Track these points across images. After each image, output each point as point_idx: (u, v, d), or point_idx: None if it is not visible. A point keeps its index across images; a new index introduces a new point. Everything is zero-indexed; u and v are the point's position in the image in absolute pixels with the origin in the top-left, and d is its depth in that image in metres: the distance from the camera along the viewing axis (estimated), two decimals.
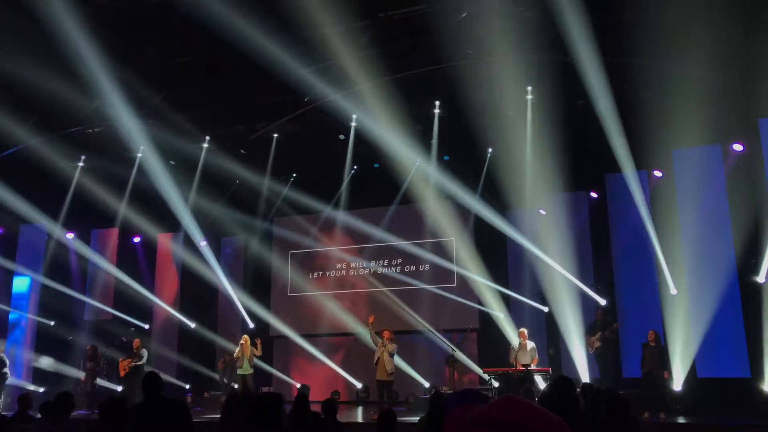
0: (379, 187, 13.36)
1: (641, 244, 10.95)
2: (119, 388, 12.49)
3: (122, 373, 12.05)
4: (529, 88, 10.64)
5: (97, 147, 12.39)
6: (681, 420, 8.98)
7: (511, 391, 9.15)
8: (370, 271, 14.03)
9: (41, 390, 13.21)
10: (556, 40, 8.64)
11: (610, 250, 11.73)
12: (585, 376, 10.89)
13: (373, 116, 10.83)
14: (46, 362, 13.86)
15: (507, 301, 12.31)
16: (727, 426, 8.31)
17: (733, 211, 10.12)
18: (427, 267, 13.56)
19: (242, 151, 13.08)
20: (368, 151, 12.29)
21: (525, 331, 10.37)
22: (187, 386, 13.82)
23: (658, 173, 11.26)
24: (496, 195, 11.92)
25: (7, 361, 11.70)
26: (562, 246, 11.52)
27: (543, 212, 11.97)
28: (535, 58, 9.31)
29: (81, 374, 13.01)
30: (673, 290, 10.54)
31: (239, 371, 11.20)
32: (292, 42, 8.82)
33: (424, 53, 9.70)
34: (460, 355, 11.51)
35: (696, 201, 10.46)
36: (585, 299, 11.53)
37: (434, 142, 12.02)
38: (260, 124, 12.16)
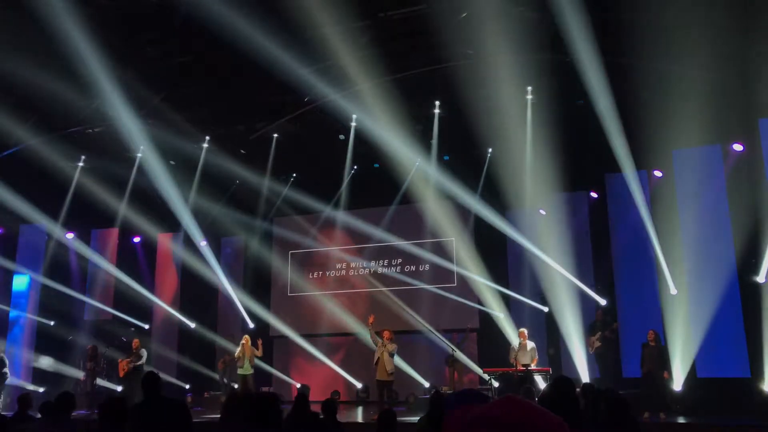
0: (379, 187, 13.36)
1: (641, 244, 10.95)
2: (119, 388, 12.49)
3: (121, 374, 12.05)
4: (529, 88, 10.64)
5: (97, 147, 12.39)
6: (681, 420, 8.98)
7: (511, 391, 9.15)
8: (370, 271, 14.03)
9: (41, 390, 13.21)
10: (556, 40, 8.64)
11: (610, 250, 11.73)
12: (585, 376, 10.88)
13: (373, 116, 10.83)
14: (45, 362, 13.86)
15: (507, 301, 12.31)
16: (727, 426, 8.31)
17: (733, 211, 10.12)
18: (427, 267, 13.57)
19: (242, 151, 13.08)
20: (368, 151, 12.29)
21: (525, 331, 10.37)
22: (187, 386, 13.82)
23: (658, 173, 11.26)
24: (496, 195, 11.92)
25: (7, 361, 11.71)
26: (562, 246, 11.52)
27: (543, 212, 11.97)
28: (535, 58, 9.31)
29: (81, 374, 13.01)
30: (673, 290, 10.54)
31: (240, 371, 11.20)
32: (292, 42, 8.82)
33: (424, 53, 9.70)
34: (460, 355, 11.51)
35: (696, 201, 10.46)
36: (585, 299, 11.53)
37: (434, 142, 12.02)
38: (260, 124, 12.16)
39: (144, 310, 14.52)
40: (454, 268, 13.18)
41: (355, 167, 13.43)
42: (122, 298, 14.28)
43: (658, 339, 9.77)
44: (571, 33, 8.43)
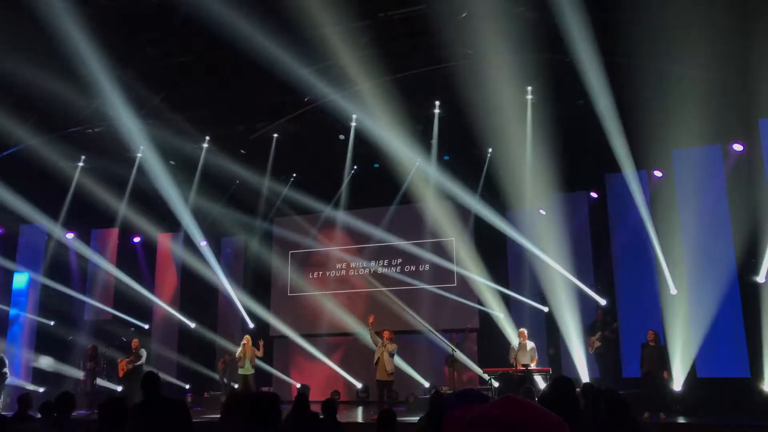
0: (379, 187, 13.36)
1: (641, 244, 10.94)
2: (119, 388, 12.49)
3: (121, 374, 12.07)
4: (529, 88, 10.64)
5: (97, 147, 12.39)
6: (681, 420, 8.98)
7: (511, 391, 9.14)
8: (370, 271, 14.04)
9: (41, 390, 13.21)
10: (556, 40, 8.64)
11: (610, 250, 11.73)
12: (585, 376, 10.88)
13: (373, 116, 10.83)
14: (45, 362, 13.86)
15: (507, 301, 12.31)
16: (727, 426, 8.31)
17: (733, 211, 10.12)
18: (427, 267, 13.56)
19: (242, 151, 13.08)
20: (368, 151, 12.29)
21: (525, 331, 10.37)
22: (187, 386, 13.82)
23: (658, 173, 11.26)
24: (496, 195, 11.92)
25: (7, 361, 11.71)
26: (562, 246, 11.51)
27: (543, 212, 11.97)
28: (535, 58, 9.31)
29: (81, 374, 13.00)
30: (673, 290, 10.54)
31: (241, 371, 11.21)
32: (292, 42, 8.82)
33: (424, 53, 9.70)
34: (460, 355, 11.51)
35: (696, 201, 10.46)
36: (585, 299, 11.53)
37: (434, 142, 12.02)
38: (260, 124, 12.16)
39: (144, 310, 14.52)
40: (454, 268, 13.18)
41: (355, 167, 13.43)
42: (122, 298, 14.29)
43: (657, 339, 9.77)
44: (571, 33, 8.43)
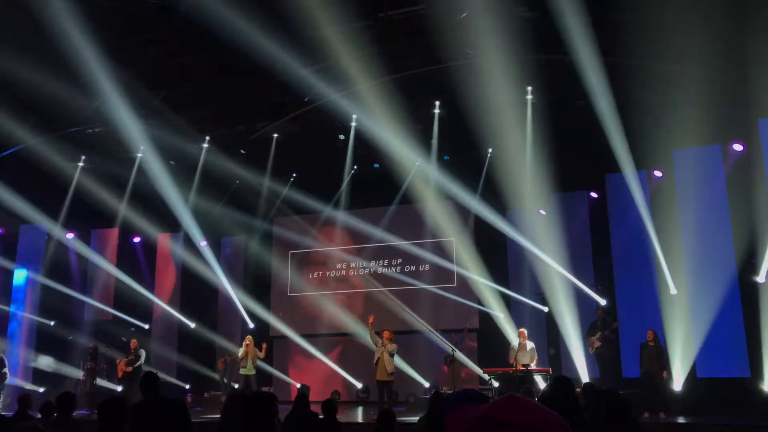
0: (379, 187, 13.36)
1: (641, 244, 10.94)
2: (119, 388, 12.49)
3: (120, 374, 12.09)
4: (529, 88, 10.64)
5: (97, 147, 12.39)
6: (681, 420, 8.98)
7: (511, 391, 9.14)
8: (370, 271, 14.04)
9: (41, 390, 13.21)
10: (556, 40, 8.63)
11: (610, 250, 11.72)
12: (585, 376, 10.89)
13: (373, 116, 10.83)
14: (45, 362, 13.86)
15: (507, 301, 12.31)
16: (727, 426, 8.31)
17: (733, 211, 10.12)
18: (427, 267, 13.56)
19: (242, 151, 13.08)
20: (368, 151, 12.29)
21: (525, 331, 10.38)
22: (187, 386, 13.82)
23: (658, 173, 11.26)
24: (496, 195, 11.92)
25: (6, 361, 11.71)
26: (562, 246, 11.52)
27: (543, 212, 11.97)
28: (535, 58, 9.31)
29: (81, 374, 12.99)
30: (673, 290, 10.54)
31: (242, 371, 11.23)
32: (292, 42, 8.81)
33: (424, 53, 9.70)
34: (460, 355, 11.51)
35: (696, 201, 10.45)
36: (585, 299, 11.53)
37: (434, 142, 12.02)
38: (260, 124, 12.16)
39: (144, 310, 14.52)
40: (454, 268, 13.18)
41: (355, 167, 13.43)
42: (122, 298, 14.28)
43: (657, 339, 9.77)
44: (571, 33, 8.43)
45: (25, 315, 14.53)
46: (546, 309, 11.83)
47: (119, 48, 9.30)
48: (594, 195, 12.40)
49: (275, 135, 12.51)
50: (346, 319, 13.39)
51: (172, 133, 11.70)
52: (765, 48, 8.14)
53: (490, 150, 12.19)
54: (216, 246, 14.60)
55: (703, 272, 10.24)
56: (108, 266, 14.61)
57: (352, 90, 10.30)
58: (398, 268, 13.83)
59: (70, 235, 14.51)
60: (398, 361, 10.46)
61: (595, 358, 10.81)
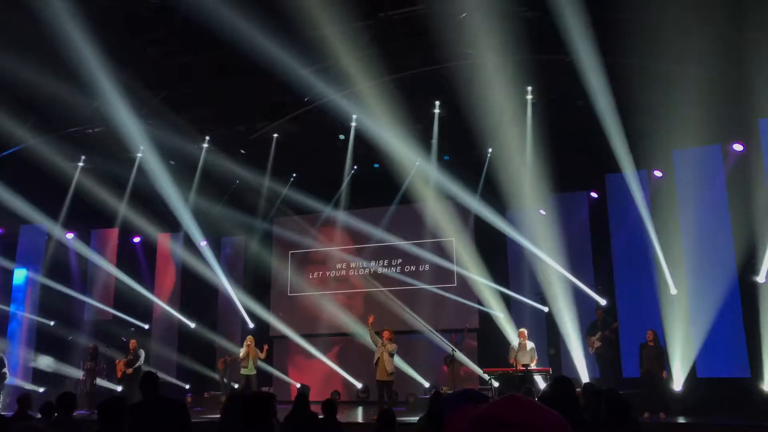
0: (379, 187, 13.35)
1: (641, 244, 10.94)
2: (119, 388, 12.50)
3: (119, 374, 12.10)
4: (529, 88, 10.63)
5: (97, 147, 12.39)
6: (681, 420, 8.98)
7: (510, 391, 9.14)
8: (370, 271, 14.04)
9: (41, 390, 13.21)
10: (555, 41, 8.64)
11: (610, 250, 11.72)
12: (585, 376, 10.89)
13: (373, 116, 10.83)
14: (45, 362, 13.86)
15: (507, 301, 12.31)
16: (727, 426, 8.31)
17: (733, 211, 10.12)
18: (427, 267, 13.56)
19: (242, 151, 13.08)
20: (368, 151, 12.29)
21: (525, 331, 10.38)
22: (187, 386, 13.82)
23: (658, 173, 11.26)
24: (496, 195, 11.91)
25: (6, 362, 11.71)
26: (562, 246, 11.52)
27: (543, 212, 11.97)
28: (535, 58, 9.31)
29: (81, 374, 12.98)
30: (673, 290, 10.54)
31: (244, 371, 11.25)
32: (292, 42, 8.82)
33: (424, 53, 9.70)
34: (460, 355, 11.51)
35: (696, 201, 10.45)
36: (585, 299, 11.53)
37: (434, 142, 12.02)
38: (260, 124, 12.16)
39: (144, 310, 14.52)
40: (454, 268, 13.18)
41: (355, 167, 13.43)
42: (122, 298, 14.28)
43: (657, 339, 9.76)
44: (571, 33, 8.43)
45: (24, 315, 14.53)
46: (546, 309, 11.83)
47: (119, 48, 9.30)
48: (594, 195, 12.40)
49: (275, 135, 12.51)
50: (346, 319, 13.39)
51: (172, 133, 11.70)
52: (765, 48, 8.15)
53: (490, 150, 12.19)
54: (216, 246, 14.60)
55: (703, 272, 10.24)
56: (108, 266, 14.61)
57: (352, 90, 10.30)
58: (398, 268, 13.83)
59: (70, 235, 14.51)
60: (398, 361, 10.46)
61: (595, 358, 10.81)
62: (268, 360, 13.16)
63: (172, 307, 14.38)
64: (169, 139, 11.75)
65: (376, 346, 9.93)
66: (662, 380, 9.59)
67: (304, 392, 6.41)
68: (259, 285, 14.53)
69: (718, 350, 10.03)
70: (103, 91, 9.96)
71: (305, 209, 14.18)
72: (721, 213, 10.33)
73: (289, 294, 14.65)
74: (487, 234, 12.55)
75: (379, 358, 9.74)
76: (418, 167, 12.53)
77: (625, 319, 11.06)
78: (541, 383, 9.81)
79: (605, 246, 11.81)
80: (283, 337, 13.86)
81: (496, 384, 9.90)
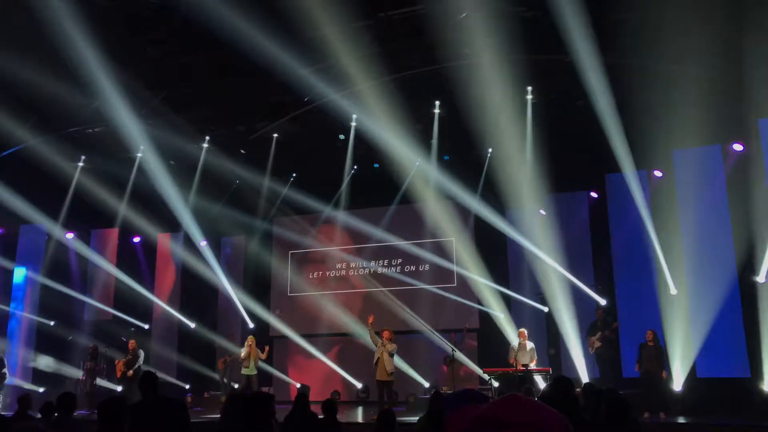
0: (379, 187, 13.35)
1: (641, 244, 10.94)
2: (119, 388, 12.50)
3: (118, 374, 12.10)
4: (529, 88, 10.64)
5: (97, 147, 12.39)
6: (681, 420, 8.98)
7: (510, 391, 9.14)
8: (370, 271, 14.03)
9: (41, 390, 13.21)
10: (556, 40, 8.64)
11: (609, 250, 11.73)
12: (585, 376, 10.89)
13: (373, 116, 10.83)
14: (45, 362, 13.86)
15: (507, 301, 12.31)
16: (727, 426, 8.31)
17: (733, 211, 10.12)
18: (427, 267, 13.56)
19: (242, 151, 13.08)
20: (368, 151, 12.29)
21: (525, 331, 10.38)
22: (187, 386, 13.82)
23: (658, 173, 11.26)
24: (496, 195, 11.92)
25: (6, 362, 11.72)
26: (562, 246, 11.52)
27: (543, 212, 11.97)
28: (535, 58, 9.31)
29: (81, 374, 12.98)
30: (673, 290, 10.54)
31: (245, 371, 11.27)
32: (292, 42, 8.81)
33: (424, 53, 9.70)
34: (460, 355, 11.51)
35: (696, 201, 10.46)
36: (585, 299, 11.53)
37: (434, 142, 12.02)
38: (260, 124, 12.16)
39: (144, 310, 14.52)
40: (454, 268, 13.18)
41: (355, 167, 13.43)
42: (122, 298, 14.28)
43: (656, 339, 9.77)
44: (571, 33, 8.43)
45: (24, 315, 14.53)
46: (546, 309, 11.83)
47: (119, 48, 9.30)
48: (594, 195, 12.40)
49: (275, 135, 12.51)
50: (346, 319, 13.39)
51: (172, 133, 11.70)
52: (764, 48, 8.15)
53: (490, 150, 12.19)
54: (216, 246, 14.60)
55: (703, 272, 10.24)
56: (108, 266, 14.61)
57: (352, 90, 10.30)
58: (398, 268, 13.83)
59: (70, 235, 14.50)
60: (398, 361, 10.46)
61: (595, 358, 10.81)
62: (268, 360, 13.17)
63: (172, 307, 14.38)
64: (169, 139, 11.76)
65: (376, 346, 9.93)
66: (662, 380, 9.60)
67: (304, 392, 6.41)
68: (259, 285, 14.53)
69: (718, 350, 10.03)
70: (103, 91, 9.96)
71: (305, 209, 14.18)
72: (721, 213, 10.33)
73: (289, 294, 14.65)
74: (487, 234, 12.55)
75: (379, 358, 9.74)
76: (418, 167, 12.53)
77: (625, 319, 11.06)
78: (541, 383, 9.81)
79: (605, 246, 11.81)
80: (283, 337, 13.86)
81: (496, 384, 9.91)
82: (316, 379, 13.51)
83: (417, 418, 5.37)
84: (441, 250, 13.35)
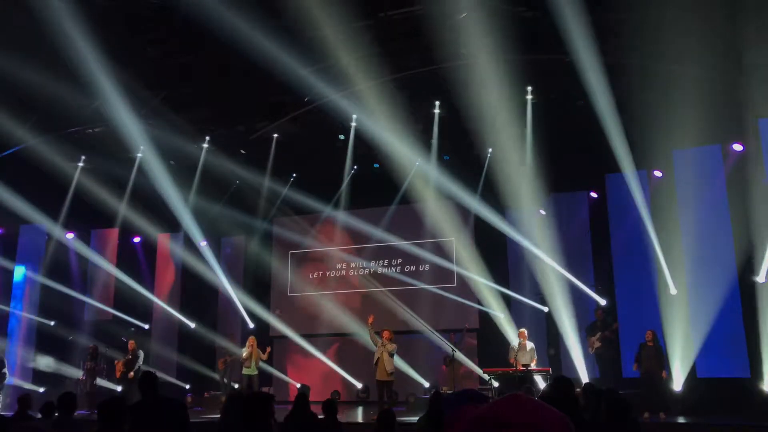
0: (379, 187, 13.35)
1: (641, 244, 10.94)
2: (119, 388, 12.50)
3: (118, 374, 12.10)
4: (529, 88, 10.64)
5: (97, 147, 12.39)
6: (681, 420, 8.98)
7: (511, 391, 9.14)
8: (370, 271, 14.03)
9: (41, 390, 13.21)
10: (556, 40, 8.64)
11: (609, 250, 11.73)
12: (585, 376, 10.89)
13: (373, 116, 10.83)
14: (45, 362, 13.86)
15: (507, 301, 12.31)
16: (727, 426, 8.31)
17: (733, 211, 10.12)
18: (427, 267, 13.56)
19: (242, 151, 13.08)
20: (368, 151, 12.29)
21: (525, 331, 10.38)
22: (187, 386, 13.82)
23: (658, 173, 11.26)
24: (496, 195, 11.91)
25: (6, 362, 11.72)
26: (562, 246, 11.52)
27: (543, 212, 11.97)
28: (534, 58, 9.31)
29: (81, 374, 12.98)
30: (673, 290, 10.54)
31: (246, 371, 11.28)
32: (292, 42, 8.82)
33: (424, 53, 9.70)
34: (460, 355, 11.51)
35: (696, 201, 10.46)
36: (585, 299, 11.53)
37: (434, 142, 12.02)
38: (260, 124, 12.16)
39: (144, 310, 14.52)
40: (454, 268, 13.18)
41: (355, 167, 13.43)
42: (122, 298, 14.28)
43: (656, 339, 9.77)
44: (571, 33, 8.43)
45: (23, 314, 14.53)
46: (546, 309, 11.83)
47: (119, 48, 9.30)
48: (594, 195, 12.40)
49: (275, 135, 12.51)
50: (346, 319, 13.38)
51: (172, 133, 11.70)
52: (764, 48, 8.15)
53: (490, 150, 12.18)
54: (216, 246, 14.60)
55: (703, 272, 10.25)
56: (108, 266, 14.61)
57: (352, 90, 10.31)
58: (398, 268, 13.83)
59: (70, 235, 14.50)
60: (398, 361, 10.46)
61: (595, 358, 10.81)
62: (268, 360, 13.18)
63: (172, 307, 14.38)
64: (169, 139, 11.75)
65: (376, 346, 9.93)
66: (662, 380, 9.59)
67: (304, 392, 6.41)
68: (259, 285, 14.53)
69: (718, 350, 10.04)
70: (103, 91, 9.96)
71: (305, 209, 14.18)
72: (721, 213, 10.33)
73: (289, 294, 14.65)
74: (487, 234, 12.55)
75: (378, 358, 9.74)
76: (418, 167, 12.53)
77: (624, 319, 11.06)
78: (541, 383, 9.81)
79: (605, 246, 11.81)
80: (283, 337, 13.86)
81: (496, 384, 9.91)
82: (316, 379, 13.51)
83: (417, 418, 5.37)
84: (441, 250, 13.35)
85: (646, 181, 11.20)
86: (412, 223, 13.53)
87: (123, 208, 13.50)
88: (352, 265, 14.21)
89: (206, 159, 12.92)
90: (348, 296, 14.04)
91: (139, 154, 12.64)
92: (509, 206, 12.01)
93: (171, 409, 4.29)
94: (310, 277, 14.56)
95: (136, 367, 11.86)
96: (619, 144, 10.18)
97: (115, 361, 12.37)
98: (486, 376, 10.22)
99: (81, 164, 13.33)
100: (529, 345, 10.14)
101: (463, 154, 12.55)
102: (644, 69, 9.20)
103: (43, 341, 14.15)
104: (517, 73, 9.37)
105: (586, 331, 11.04)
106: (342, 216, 13.96)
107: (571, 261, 11.60)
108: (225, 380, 13.04)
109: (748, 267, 9.83)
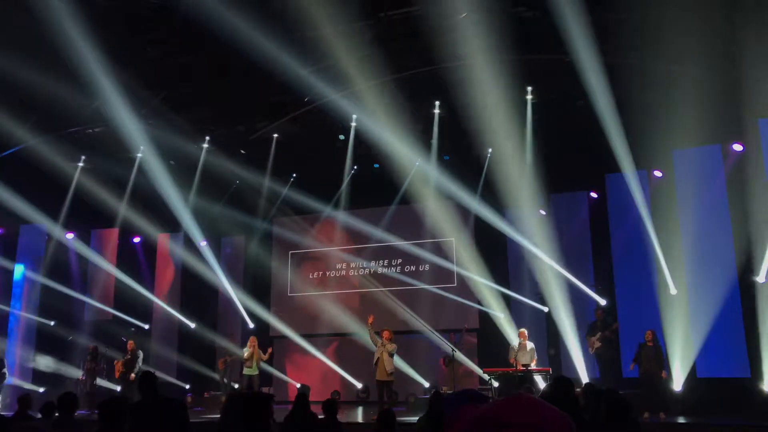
0: (379, 187, 13.35)
1: (641, 244, 10.94)
2: (119, 388, 12.50)
3: (117, 374, 12.10)
4: (529, 88, 10.63)
5: (97, 147, 12.39)
6: (681, 420, 8.98)
7: (510, 391, 9.14)
8: (370, 271, 14.03)
9: (41, 390, 13.21)
10: (556, 40, 8.64)
11: (609, 250, 11.73)
12: (585, 376, 10.89)
13: (373, 116, 10.83)
14: (45, 362, 13.86)
15: (507, 301, 12.31)
16: (727, 426, 8.31)
17: (733, 211, 10.12)
18: (427, 267, 13.56)
19: (242, 151, 13.08)
20: (368, 151, 12.29)
21: (525, 331, 10.38)
22: (187, 386, 13.82)
23: (658, 173, 11.26)
24: (496, 195, 11.91)
25: (6, 362, 11.72)
26: (562, 246, 11.52)
27: (543, 212, 11.97)
28: (534, 58, 9.31)
29: (80, 374, 12.98)
30: (673, 290, 10.54)
31: (247, 371, 11.29)
32: (292, 42, 8.82)
33: (423, 53, 9.70)
34: (460, 355, 11.51)
35: (696, 201, 10.46)
36: (585, 299, 11.53)
37: (434, 142, 12.02)
38: (260, 124, 12.16)
39: (144, 310, 14.52)
40: (454, 268, 13.18)
41: (355, 167, 13.43)
42: (122, 298, 14.28)
43: (656, 339, 9.77)
44: (571, 33, 8.43)
45: (23, 314, 14.52)
46: (546, 309, 11.83)
47: (119, 48, 9.30)
48: (594, 195, 12.40)
49: (275, 135, 12.51)
50: (346, 319, 13.38)
51: (172, 133, 11.71)
52: (764, 48, 8.15)
53: (490, 150, 12.18)
54: (216, 246, 14.60)
55: (703, 272, 10.25)
56: (108, 266, 14.61)
57: (352, 90, 10.31)
58: (398, 268, 13.82)
59: (70, 235, 14.50)
60: (398, 361, 10.46)
61: (595, 358, 10.81)
62: (268, 360, 13.18)
63: (172, 307, 14.38)
64: (169, 139, 11.76)
65: (376, 346, 9.93)
66: (662, 380, 9.59)
67: (304, 392, 6.41)
68: (259, 285, 14.53)
69: (718, 350, 10.04)
70: (103, 91, 9.96)
71: (305, 209, 14.18)
72: (721, 213, 10.33)
73: (289, 294, 14.65)
74: (487, 234, 12.55)
75: (378, 358, 9.74)
76: (418, 167, 12.53)
77: (624, 319, 11.06)
78: (541, 383, 9.81)
79: (605, 246, 11.81)
80: (283, 337, 13.86)
81: (496, 384, 9.91)
82: (315, 379, 13.51)
83: (417, 418, 5.37)
84: (441, 250, 13.35)
85: (646, 181, 11.20)
86: (412, 223, 13.53)
87: (123, 208, 13.50)
88: (352, 265, 14.21)
89: (206, 159, 12.92)
90: (348, 296, 14.04)
91: (139, 154, 12.65)
92: (509, 206, 12.01)
93: (171, 409, 4.29)
94: (310, 277, 14.56)
95: (137, 369, 11.85)
96: (619, 144, 10.18)
97: (114, 361, 12.37)
98: (486, 376, 10.22)
99: (81, 164, 13.33)
100: (529, 345, 10.14)
101: (463, 154, 12.55)
102: (644, 69, 9.20)
103: (43, 341, 14.15)
104: (517, 73, 9.37)
105: (586, 332, 11.03)
106: (342, 216, 13.96)
107: (571, 261, 11.60)
108: (225, 380, 13.04)
109: (748, 267, 9.83)
